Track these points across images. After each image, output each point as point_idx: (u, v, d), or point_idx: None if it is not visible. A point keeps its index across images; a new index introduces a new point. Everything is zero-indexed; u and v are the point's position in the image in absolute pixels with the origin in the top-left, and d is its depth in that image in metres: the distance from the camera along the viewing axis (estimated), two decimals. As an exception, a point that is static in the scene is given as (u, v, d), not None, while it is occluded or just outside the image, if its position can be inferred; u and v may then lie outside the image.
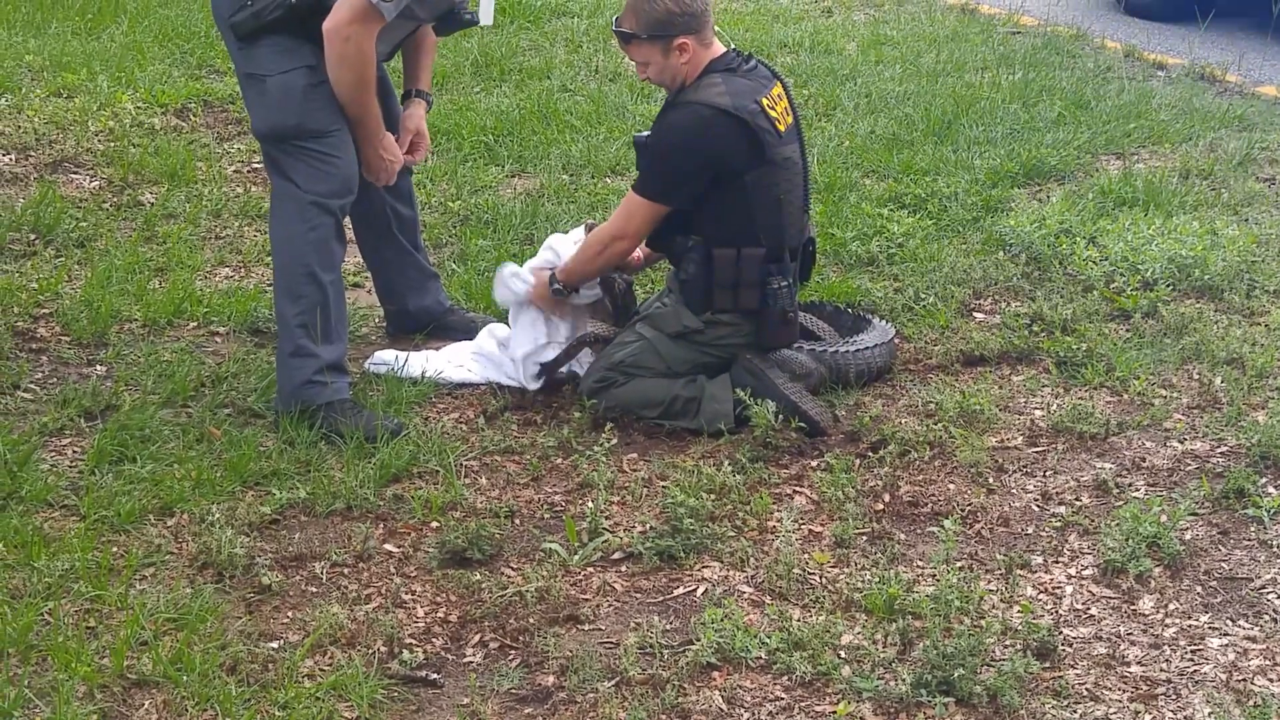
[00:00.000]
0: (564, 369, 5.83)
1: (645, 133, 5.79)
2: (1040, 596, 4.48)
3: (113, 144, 8.29)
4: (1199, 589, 4.51)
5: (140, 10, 10.95)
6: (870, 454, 5.32)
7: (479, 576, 4.54)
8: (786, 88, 5.77)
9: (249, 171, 8.10)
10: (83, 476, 5.07)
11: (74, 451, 5.28)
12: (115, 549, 4.65)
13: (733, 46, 5.75)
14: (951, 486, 5.10)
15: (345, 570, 4.63)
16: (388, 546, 4.77)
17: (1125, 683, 4.11)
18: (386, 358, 5.94)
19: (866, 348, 5.86)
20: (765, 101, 5.55)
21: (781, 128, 5.60)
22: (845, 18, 11.84)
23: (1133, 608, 4.42)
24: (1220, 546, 4.73)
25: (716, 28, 5.88)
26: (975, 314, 6.47)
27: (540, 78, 9.88)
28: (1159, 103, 9.24)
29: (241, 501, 4.95)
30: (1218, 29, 10.89)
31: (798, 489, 5.13)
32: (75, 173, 7.97)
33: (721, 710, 4.00)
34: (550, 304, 5.82)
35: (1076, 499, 5.02)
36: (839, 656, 4.17)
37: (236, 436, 5.32)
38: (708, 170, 5.48)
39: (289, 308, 5.47)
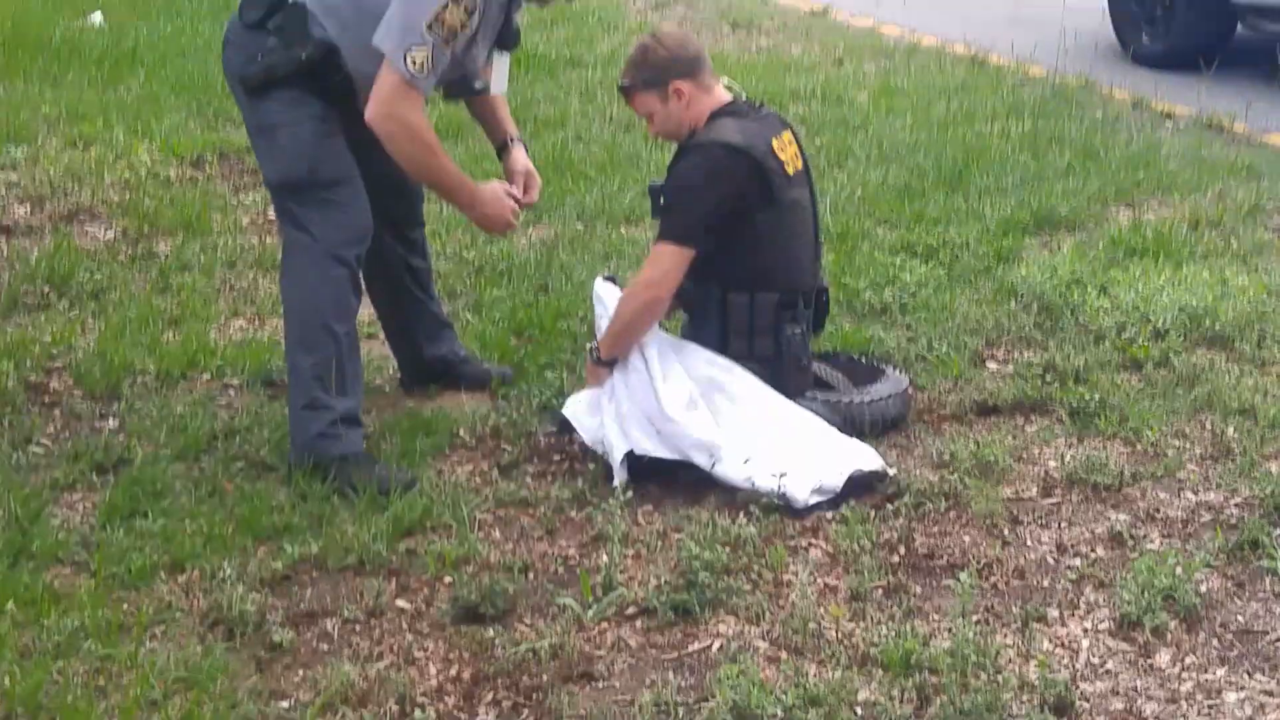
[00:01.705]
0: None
1: (659, 180, 5.79)
2: (1057, 650, 4.46)
3: (128, 195, 8.33)
4: (1215, 642, 4.49)
5: (157, 61, 11.01)
6: (885, 505, 5.30)
7: (492, 633, 4.52)
8: (796, 134, 5.79)
9: (264, 222, 8.11)
10: (94, 532, 5.06)
11: (85, 506, 5.27)
12: (125, 606, 4.63)
13: (743, 95, 5.78)
14: (967, 538, 5.08)
15: (357, 627, 4.61)
16: (400, 602, 4.75)
17: (1142, 738, 4.11)
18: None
19: (881, 398, 5.85)
20: (775, 143, 5.58)
21: (791, 170, 5.62)
22: (856, 68, 11.86)
23: (1149, 662, 4.40)
24: (1236, 599, 4.71)
25: (728, 79, 5.90)
26: (988, 363, 6.46)
27: (555, 128, 9.90)
28: (1168, 152, 9.25)
29: (253, 557, 4.93)
30: (1225, 79, 10.89)
31: (813, 541, 5.11)
32: (90, 224, 8.00)
33: (737, 767, 3.99)
34: (595, 377, 5.73)
35: (1091, 551, 5.00)
36: (855, 713, 4.14)
37: (248, 491, 5.32)
38: (725, 206, 5.49)
39: (303, 360, 5.46)
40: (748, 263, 5.57)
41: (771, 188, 5.54)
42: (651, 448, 5.42)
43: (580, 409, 5.65)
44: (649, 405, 5.44)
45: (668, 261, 5.54)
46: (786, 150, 5.64)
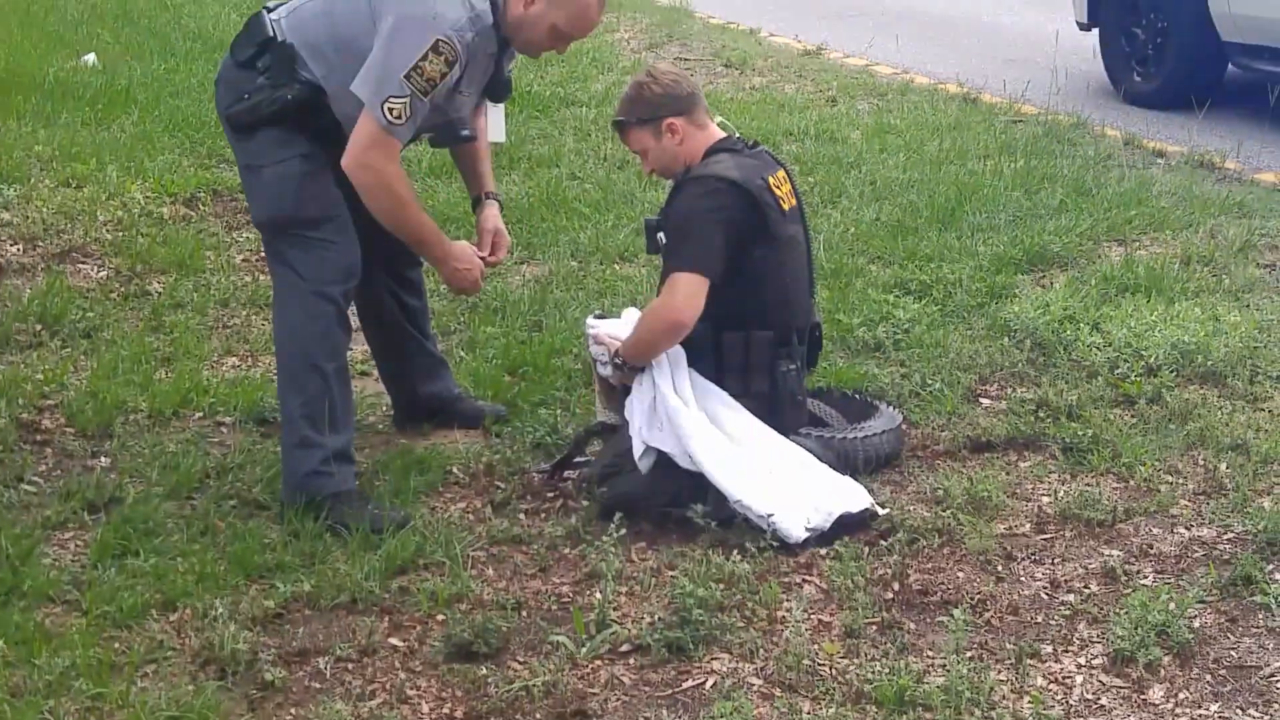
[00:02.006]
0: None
1: (654, 217, 5.79)
2: (1051, 686, 4.45)
3: (121, 233, 8.33)
4: (1208, 678, 4.49)
5: (150, 100, 11.02)
6: (879, 542, 5.30)
7: (485, 671, 4.51)
8: (790, 173, 5.81)
9: (257, 260, 8.11)
10: (85, 571, 5.05)
11: (77, 545, 5.27)
12: (117, 645, 4.63)
13: (736, 134, 5.80)
14: (961, 574, 5.08)
15: (349, 665, 4.60)
16: (393, 640, 4.74)
17: (1136, 774, 4.10)
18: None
19: (874, 434, 5.86)
20: (771, 180, 5.59)
21: (786, 207, 5.64)
22: (849, 107, 11.89)
23: (1143, 697, 4.39)
24: (1229, 634, 4.70)
25: (722, 117, 5.92)
26: (981, 400, 6.47)
27: (549, 165, 9.92)
28: (1159, 190, 9.26)
29: (245, 595, 4.93)
30: (1216, 117, 10.92)
31: (807, 577, 5.11)
32: (83, 262, 8.00)
33: (731, 804, 3.98)
34: (628, 378, 5.67)
35: (1085, 587, 5.00)
36: (848, 749, 4.15)
37: (240, 529, 5.31)
38: (727, 235, 5.49)
39: (293, 398, 5.47)
40: (743, 300, 5.56)
41: (768, 222, 5.55)
42: (660, 440, 5.43)
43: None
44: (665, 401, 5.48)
45: (689, 288, 5.48)
46: (781, 187, 5.66)
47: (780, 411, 5.66)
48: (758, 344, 5.60)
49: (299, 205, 5.42)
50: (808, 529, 5.26)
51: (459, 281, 5.67)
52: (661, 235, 5.68)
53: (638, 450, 5.47)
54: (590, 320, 5.87)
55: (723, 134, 5.76)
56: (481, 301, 7.47)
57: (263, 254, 7.80)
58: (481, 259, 5.74)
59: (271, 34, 5.38)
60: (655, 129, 5.64)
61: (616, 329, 5.74)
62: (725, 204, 5.49)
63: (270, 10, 5.50)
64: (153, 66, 12.25)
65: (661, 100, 5.63)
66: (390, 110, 5.18)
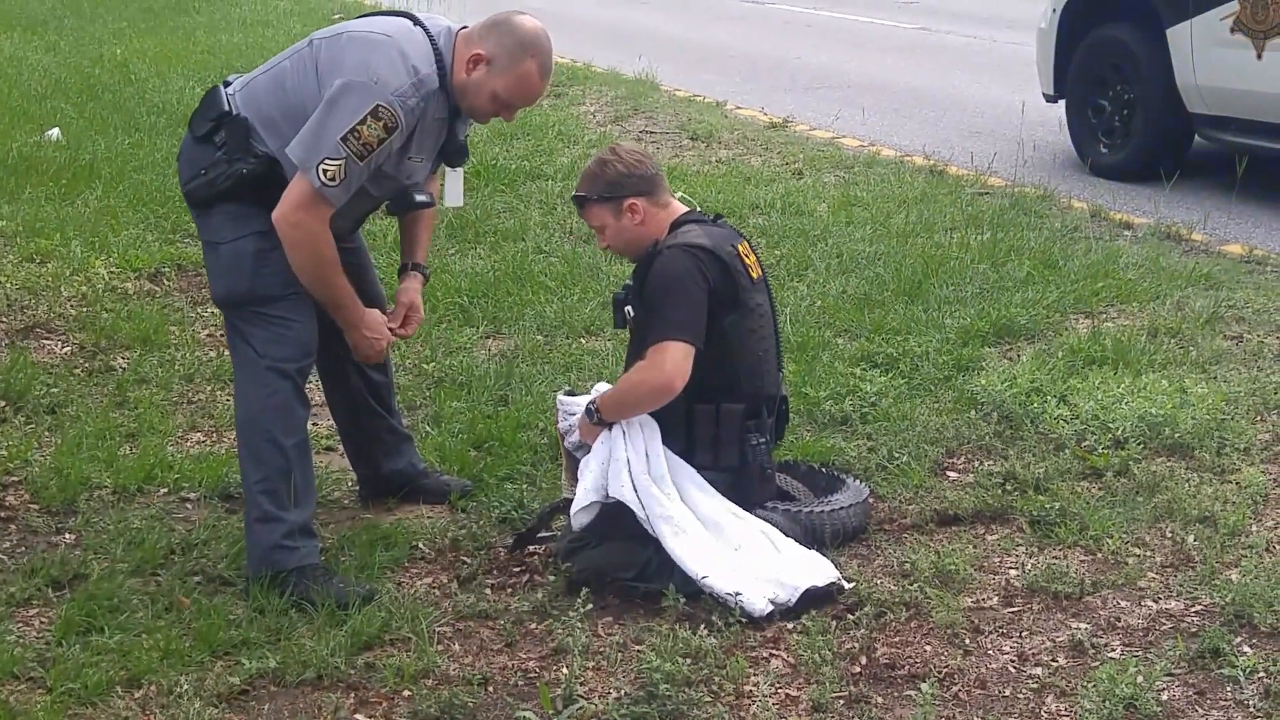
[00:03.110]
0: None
1: (623, 292, 5.79)
2: (1018, 761, 4.45)
3: (85, 309, 8.32)
4: (1178, 751, 4.49)
5: (114, 176, 11.03)
6: (846, 615, 5.28)
7: (452, 747, 4.50)
8: (752, 247, 5.82)
9: (221, 335, 8.05)
10: (50, 648, 5.02)
11: (41, 622, 5.23)
12: (83, 722, 4.61)
13: (698, 208, 5.81)
14: (928, 648, 5.07)
15: (316, 742, 4.58)
16: (359, 717, 4.71)
17: None
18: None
19: (841, 507, 5.86)
20: (740, 248, 5.61)
21: (754, 275, 5.65)
22: (815, 179, 11.92)
23: (1112, 771, 4.39)
24: (1197, 707, 4.69)
25: (683, 192, 5.93)
26: (949, 473, 6.47)
27: (515, 239, 9.92)
28: (1126, 262, 9.29)
29: (210, 671, 4.90)
30: (1183, 189, 10.98)
31: (774, 651, 5.09)
32: (47, 338, 7.98)
33: None
34: (591, 434, 5.66)
35: (1053, 660, 4.99)
36: (816, 825, 4.13)
37: (206, 605, 5.28)
38: (707, 302, 5.49)
39: (253, 473, 5.46)
40: (714, 371, 5.56)
41: (738, 290, 5.57)
42: (626, 495, 5.42)
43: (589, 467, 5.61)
44: (640, 461, 5.46)
45: (678, 354, 5.44)
46: (749, 257, 5.68)
47: (749, 484, 5.66)
48: (728, 416, 5.60)
49: (255, 283, 5.42)
50: (774, 604, 5.25)
51: (364, 348, 5.67)
52: (629, 309, 5.68)
53: (579, 503, 5.47)
54: (561, 397, 5.86)
55: (685, 208, 5.77)
56: (447, 376, 7.47)
57: (227, 329, 7.85)
58: (391, 330, 5.77)
59: (227, 108, 5.40)
60: (615, 208, 5.65)
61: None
62: (703, 271, 5.49)
63: (227, 85, 5.52)
64: (117, 141, 12.27)
65: (623, 179, 5.64)
66: (325, 172, 5.19)
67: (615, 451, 5.50)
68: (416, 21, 5.45)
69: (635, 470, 5.44)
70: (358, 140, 5.18)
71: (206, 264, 5.65)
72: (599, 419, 5.60)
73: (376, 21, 5.49)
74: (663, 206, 5.71)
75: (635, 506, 5.40)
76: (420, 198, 5.65)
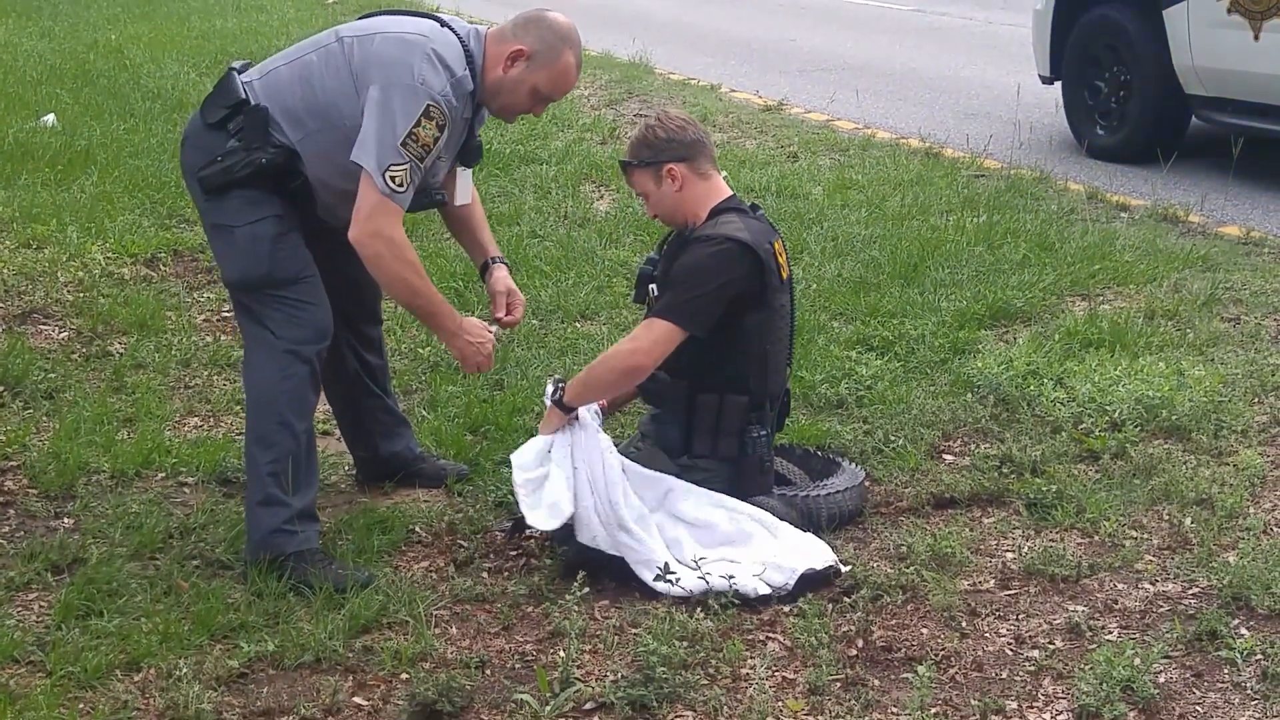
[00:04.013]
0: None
1: (649, 266, 5.80)
2: (1015, 743, 4.46)
3: (82, 294, 8.31)
4: (1174, 733, 4.49)
5: (110, 161, 11.00)
6: (843, 598, 5.29)
7: (449, 730, 4.50)
8: (783, 242, 5.80)
9: (218, 320, 8.10)
10: (49, 632, 5.02)
11: (40, 606, 5.24)
12: (82, 706, 4.60)
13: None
14: (925, 631, 5.08)
15: (313, 725, 4.59)
16: (357, 700, 4.71)
17: (1102, 830, 4.09)
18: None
19: (837, 491, 5.86)
20: (776, 246, 5.60)
21: (784, 275, 5.65)
22: (811, 162, 11.90)
23: (1108, 753, 4.40)
24: (1194, 689, 4.70)
25: (725, 172, 5.88)
26: (945, 456, 6.47)
27: (509, 224, 9.90)
28: (1123, 244, 9.28)
29: (209, 655, 4.90)
30: (1180, 170, 10.97)
31: (771, 634, 5.10)
32: (44, 324, 7.97)
33: None
34: (552, 420, 5.65)
35: (1050, 642, 4.99)
36: (814, 807, 4.13)
37: (204, 589, 5.29)
38: (727, 297, 5.50)
39: (261, 455, 5.45)
40: (724, 364, 5.58)
41: (766, 290, 5.56)
42: (604, 544, 5.41)
43: (528, 457, 5.59)
44: (605, 507, 5.43)
45: (660, 334, 5.48)
46: (780, 256, 5.67)
47: (747, 476, 5.66)
48: (730, 408, 5.59)
49: (274, 265, 5.42)
50: (771, 587, 5.26)
51: (471, 355, 5.62)
52: (653, 287, 5.68)
53: (541, 522, 5.47)
54: (549, 387, 5.84)
55: (727, 190, 5.75)
56: (443, 360, 7.46)
57: (223, 314, 7.88)
58: (499, 321, 5.81)
59: (244, 96, 5.39)
60: (656, 173, 5.64)
61: None
62: (733, 267, 5.49)
63: (240, 71, 5.50)
64: (112, 127, 12.24)
65: (664, 144, 5.63)
66: (393, 179, 5.22)
67: (578, 479, 5.51)
68: (443, 23, 5.49)
69: (604, 518, 5.44)
70: (416, 143, 5.23)
71: (216, 248, 5.63)
72: (561, 399, 5.59)
73: (407, 22, 5.51)
74: (704, 176, 5.69)
75: (613, 551, 5.43)
76: (438, 195, 5.66)
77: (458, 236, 6.13)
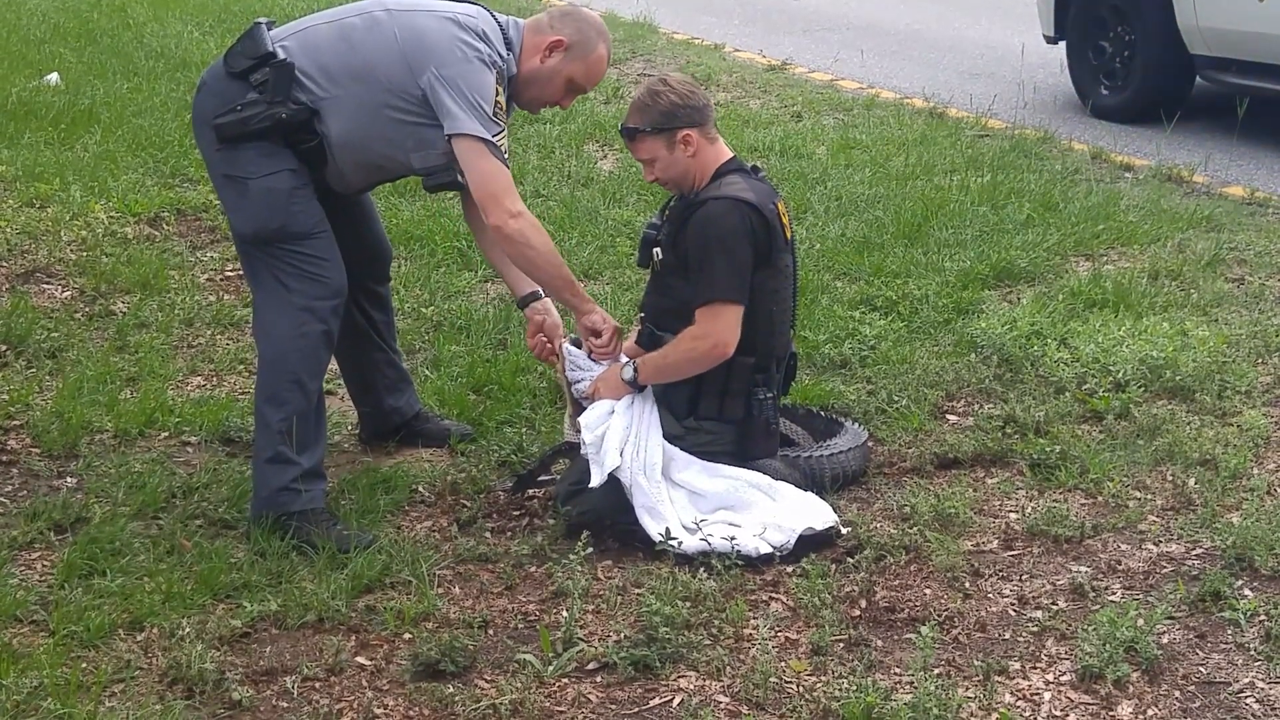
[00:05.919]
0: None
1: (653, 230, 5.79)
2: (1018, 703, 4.45)
3: (85, 254, 8.30)
4: (1177, 694, 4.49)
5: (114, 120, 10.97)
6: (846, 559, 5.29)
7: (452, 689, 4.49)
8: (785, 203, 5.78)
9: (222, 280, 8.09)
10: (52, 591, 5.03)
11: (43, 565, 5.24)
12: (85, 665, 4.61)
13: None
14: (928, 591, 5.08)
15: (317, 684, 4.58)
16: (360, 659, 4.72)
17: (1105, 790, 4.09)
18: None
19: (840, 451, 5.86)
20: (779, 206, 5.59)
21: (788, 235, 5.63)
22: (814, 122, 11.88)
23: (1111, 714, 4.39)
24: (1198, 650, 4.70)
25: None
26: (948, 416, 6.47)
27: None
28: (1127, 204, 9.27)
29: (212, 615, 4.91)
30: (1184, 131, 10.95)
31: (774, 595, 5.10)
32: (47, 283, 7.97)
33: (699, 823, 3.96)
34: (618, 390, 5.66)
35: (1053, 603, 4.99)
36: (816, 767, 4.14)
37: (207, 548, 5.29)
38: (750, 258, 5.51)
39: (272, 413, 5.45)
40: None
41: (773, 250, 5.55)
42: (624, 474, 5.44)
43: (592, 418, 5.58)
44: (640, 454, 5.47)
45: (731, 318, 5.48)
46: (784, 216, 5.65)
47: (753, 438, 5.65)
48: (738, 369, 5.57)
49: (290, 218, 5.41)
50: (772, 547, 5.26)
51: (597, 325, 5.74)
52: (658, 251, 5.66)
53: (606, 466, 5.44)
54: (568, 346, 5.83)
55: (729, 153, 5.73)
56: (446, 320, 7.46)
57: (226, 274, 7.87)
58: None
59: (271, 50, 5.37)
60: (669, 139, 5.60)
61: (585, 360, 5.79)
62: (749, 226, 5.48)
63: (270, 26, 5.49)
64: (115, 86, 12.19)
65: (677, 110, 5.59)
66: (505, 149, 5.36)
67: (634, 429, 5.55)
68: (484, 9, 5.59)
69: (627, 457, 5.47)
70: (503, 111, 5.38)
71: (227, 199, 5.60)
72: (634, 379, 5.61)
73: (455, 5, 5.56)
74: (712, 140, 5.67)
75: (626, 481, 5.45)
76: (460, 178, 5.61)
77: (493, 265, 6.21)
